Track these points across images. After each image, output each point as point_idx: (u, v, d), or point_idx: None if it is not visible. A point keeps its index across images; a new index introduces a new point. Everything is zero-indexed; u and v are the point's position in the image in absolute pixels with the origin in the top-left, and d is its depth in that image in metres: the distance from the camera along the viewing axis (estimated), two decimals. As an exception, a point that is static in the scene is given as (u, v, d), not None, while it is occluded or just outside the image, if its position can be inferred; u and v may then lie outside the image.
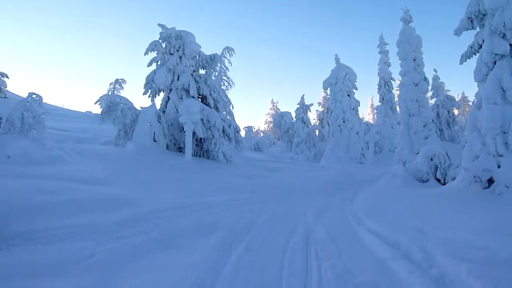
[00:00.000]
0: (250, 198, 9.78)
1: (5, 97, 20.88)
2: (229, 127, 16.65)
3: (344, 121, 23.91)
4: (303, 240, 5.80)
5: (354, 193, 11.44)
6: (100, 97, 16.87)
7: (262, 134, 43.81)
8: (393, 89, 29.52)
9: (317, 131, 32.42)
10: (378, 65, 29.12)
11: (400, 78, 15.80)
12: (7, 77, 24.93)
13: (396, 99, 31.77)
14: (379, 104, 29.20)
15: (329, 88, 24.88)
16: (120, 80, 22.27)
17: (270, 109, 50.04)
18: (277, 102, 51.25)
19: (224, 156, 15.77)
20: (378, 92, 29.30)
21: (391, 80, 29.28)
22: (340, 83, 24.13)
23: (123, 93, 21.95)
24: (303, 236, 6.03)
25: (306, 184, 13.19)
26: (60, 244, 4.87)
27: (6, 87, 23.08)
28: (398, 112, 19.19)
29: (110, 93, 19.38)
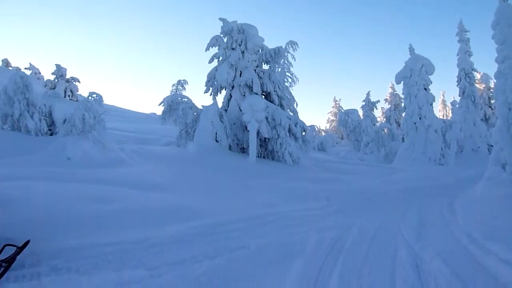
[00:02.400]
0: (327, 208, 8.37)
1: (76, 100, 21.82)
2: (295, 126, 15.50)
3: (420, 118, 21.41)
4: (414, 272, 4.31)
5: (449, 202, 9.51)
6: (164, 99, 16.74)
7: (323, 133, 42.37)
8: (475, 81, 26.31)
9: (386, 129, 30.11)
10: (457, 55, 25.99)
11: (497, 66, 13.31)
12: (78, 81, 25.94)
13: (479, 92, 28.57)
14: (459, 98, 26.09)
15: (402, 82, 22.50)
16: (182, 81, 22.16)
17: (333, 107, 48.13)
18: (340, 100, 49.21)
19: (291, 157, 14.70)
20: (457, 85, 26.18)
21: (473, 72, 26.04)
22: (416, 76, 21.66)
23: (185, 94, 22.09)
24: (412, 266, 4.53)
25: (385, 189, 11.50)
26: (102, 273, 3.80)
27: (78, 91, 23.95)
28: (495, 106, 16.52)
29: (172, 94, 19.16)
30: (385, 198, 10.01)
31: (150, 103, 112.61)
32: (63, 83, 18.47)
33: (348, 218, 7.44)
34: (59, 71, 18.33)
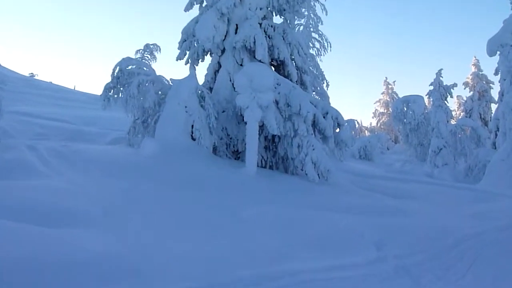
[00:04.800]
0: (379, 264, 7.33)
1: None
2: (324, 117, 14.93)
3: (527, 111, 20.47)
4: None
5: None
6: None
7: (367, 133, 42.00)
8: None
9: (467, 128, 29.31)
10: None
11: None
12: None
13: None
14: None
15: (498, 53, 21.46)
16: (151, 47, 22.07)
17: (383, 93, 47.84)
18: (394, 83, 48.58)
19: (315, 168, 14.11)
20: None
21: None
22: (522, 42, 20.65)
23: (157, 68, 22.36)
24: None
25: (479, 229, 10.52)
26: None
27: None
28: None
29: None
30: (483, 247, 8.95)
31: (103, 80, 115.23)
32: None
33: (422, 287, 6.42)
34: None
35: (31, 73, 40.95)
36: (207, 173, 12.71)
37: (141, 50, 19.63)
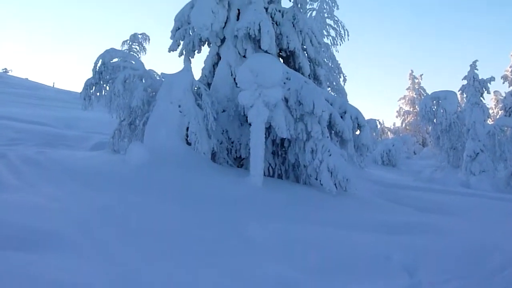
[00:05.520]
0: None
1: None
2: (341, 117, 15.01)
3: None
4: None
5: None
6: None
7: (391, 135, 42.00)
8: None
9: (508, 129, 29.14)
10: None
11: None
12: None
13: None
14: None
15: None
16: (140, 37, 22.63)
17: (408, 89, 47.90)
18: (421, 76, 48.54)
19: (332, 177, 14.02)
20: None
21: None
22: None
23: (146, 62, 22.85)
24: None
25: None
26: None
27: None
28: None
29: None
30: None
31: (85, 76, 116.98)
32: None
33: None
34: None
35: (5, 69, 41.31)
36: (205, 184, 12.63)
37: (128, 41, 19.79)
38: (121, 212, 9.47)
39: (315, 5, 20.70)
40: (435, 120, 31.62)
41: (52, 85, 41.41)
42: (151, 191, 11.37)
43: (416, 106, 40.94)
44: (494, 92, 42.71)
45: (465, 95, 30.80)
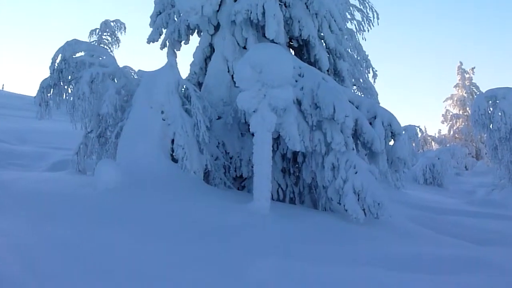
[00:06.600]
0: None
1: None
2: (370, 124, 14.85)
3: None
4: None
5: None
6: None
7: (435, 146, 42.02)
8: None
9: None
10: None
11: None
12: None
13: None
14: None
15: None
16: (113, 24, 22.81)
17: (456, 87, 47.91)
18: (473, 70, 48.61)
19: (359, 199, 13.85)
20: None
21: None
22: None
23: (121, 57, 23.04)
24: None
25: None
26: None
27: None
28: None
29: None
30: None
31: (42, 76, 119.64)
32: None
33: None
34: None
35: None
36: (195, 212, 12.39)
37: (97, 30, 19.68)
38: (85, 249, 9.20)
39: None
40: (491, 126, 31.35)
41: (1, 88, 41.78)
42: (125, 223, 11.17)
43: (468, 108, 40.94)
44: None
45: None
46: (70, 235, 9.86)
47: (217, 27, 16.49)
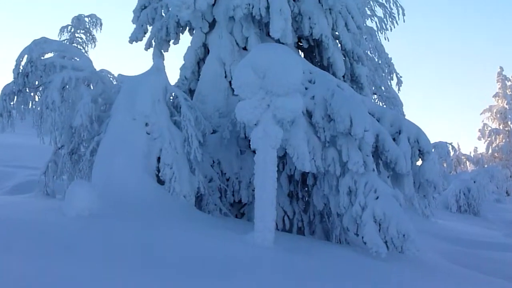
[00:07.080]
0: None
1: None
2: (394, 140, 14.66)
3: None
4: None
5: None
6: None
7: (471, 167, 42.35)
8: None
9: None
10: None
11: None
12: None
13: None
14: None
15: None
16: (87, 20, 23.02)
17: (496, 96, 48.57)
18: None
19: (380, 230, 13.67)
20: None
21: None
22: None
23: (98, 59, 22.91)
24: None
25: None
26: None
27: None
28: None
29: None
30: None
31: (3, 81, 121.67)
32: None
33: None
34: None
35: None
36: (185, 244, 11.92)
37: (69, 27, 19.46)
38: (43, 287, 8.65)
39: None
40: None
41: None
42: (101, 258, 10.31)
43: (509, 122, 41.48)
44: None
45: None
46: (32, 271, 8.90)
47: (212, 24, 16.43)
